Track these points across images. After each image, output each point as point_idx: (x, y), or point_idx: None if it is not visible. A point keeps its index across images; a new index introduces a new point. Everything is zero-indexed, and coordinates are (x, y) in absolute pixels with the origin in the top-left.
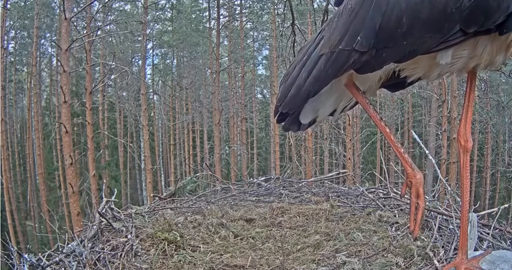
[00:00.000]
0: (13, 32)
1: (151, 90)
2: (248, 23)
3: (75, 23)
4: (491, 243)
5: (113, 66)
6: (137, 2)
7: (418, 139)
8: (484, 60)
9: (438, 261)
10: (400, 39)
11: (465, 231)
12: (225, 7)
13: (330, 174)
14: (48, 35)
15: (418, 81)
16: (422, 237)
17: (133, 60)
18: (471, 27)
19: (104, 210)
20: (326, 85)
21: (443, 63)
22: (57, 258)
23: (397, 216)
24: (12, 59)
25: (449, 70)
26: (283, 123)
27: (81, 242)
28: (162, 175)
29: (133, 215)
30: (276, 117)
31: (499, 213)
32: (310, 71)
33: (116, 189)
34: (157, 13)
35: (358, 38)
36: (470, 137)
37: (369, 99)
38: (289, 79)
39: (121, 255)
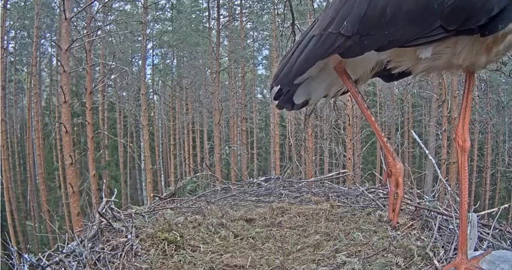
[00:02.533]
0: (13, 32)
1: (151, 90)
2: (248, 23)
3: (75, 23)
4: (491, 243)
5: (113, 66)
6: (137, 2)
7: (418, 139)
8: (463, 60)
9: (438, 261)
10: (381, 29)
11: (464, 231)
12: (225, 7)
13: (330, 174)
14: (48, 35)
15: (409, 75)
16: (422, 237)
17: (133, 60)
18: (452, 25)
19: (104, 210)
20: (312, 65)
21: (423, 58)
22: (57, 258)
23: None
24: (12, 59)
25: (432, 65)
26: (277, 101)
27: (81, 242)
28: (162, 175)
29: (133, 215)
30: (274, 95)
31: (499, 213)
32: (302, 50)
33: (115, 189)
34: (157, 13)
35: (345, 22)
36: (468, 137)
37: (359, 88)
38: (286, 58)
39: (121, 255)
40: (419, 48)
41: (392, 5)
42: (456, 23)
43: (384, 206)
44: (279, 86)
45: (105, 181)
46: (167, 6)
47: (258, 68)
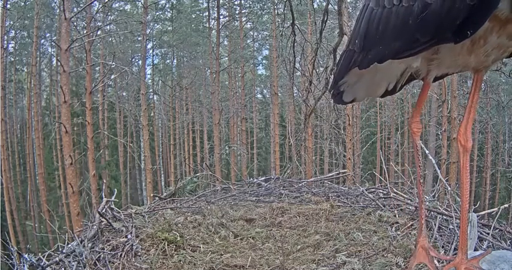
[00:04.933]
0: (13, 32)
1: (151, 90)
2: (248, 23)
3: (75, 23)
4: (491, 243)
5: (113, 66)
6: (137, 2)
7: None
8: (448, 64)
9: (438, 261)
10: (376, 44)
11: (465, 231)
12: (225, 7)
13: (330, 174)
14: (48, 35)
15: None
16: None
17: (133, 60)
18: (426, 37)
19: (104, 210)
20: (343, 77)
21: (414, 66)
22: (57, 258)
23: (397, 216)
24: (12, 59)
25: (438, 68)
26: (333, 98)
27: (81, 242)
28: (162, 175)
29: (133, 215)
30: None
31: (499, 213)
32: (338, 65)
33: (115, 189)
34: (157, 13)
35: (356, 41)
36: (470, 137)
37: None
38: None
39: (121, 255)
40: (409, 58)
41: (383, 23)
42: (429, 34)
43: (384, 206)
44: (331, 90)
45: (105, 181)
46: (167, 6)
47: (258, 68)
